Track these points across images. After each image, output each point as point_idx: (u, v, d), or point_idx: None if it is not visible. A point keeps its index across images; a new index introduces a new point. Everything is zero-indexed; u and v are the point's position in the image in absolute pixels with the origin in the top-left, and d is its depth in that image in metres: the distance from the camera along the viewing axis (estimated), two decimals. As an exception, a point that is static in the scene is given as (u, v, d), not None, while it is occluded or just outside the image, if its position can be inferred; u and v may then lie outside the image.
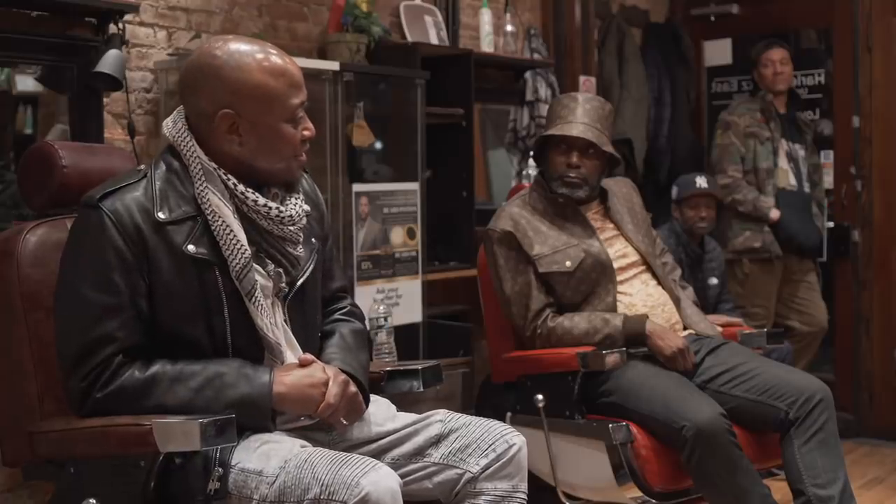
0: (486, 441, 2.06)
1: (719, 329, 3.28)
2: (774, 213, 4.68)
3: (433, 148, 3.95)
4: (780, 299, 4.85)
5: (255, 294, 2.00)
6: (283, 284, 2.08)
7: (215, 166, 2.01)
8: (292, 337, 2.12)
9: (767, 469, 3.22)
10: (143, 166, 2.09)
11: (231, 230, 1.98)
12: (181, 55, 3.30)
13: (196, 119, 2.04)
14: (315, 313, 2.20)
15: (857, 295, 5.13)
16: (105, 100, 3.12)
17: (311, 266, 2.15)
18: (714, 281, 4.38)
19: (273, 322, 2.05)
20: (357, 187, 3.64)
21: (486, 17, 4.47)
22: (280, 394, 1.97)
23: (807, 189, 4.85)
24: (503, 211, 3.24)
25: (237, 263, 1.98)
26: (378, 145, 3.84)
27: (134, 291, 1.95)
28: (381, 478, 1.82)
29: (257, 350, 2.02)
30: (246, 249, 1.99)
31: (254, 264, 2.01)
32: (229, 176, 2.01)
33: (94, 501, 1.94)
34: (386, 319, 3.50)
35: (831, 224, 5.14)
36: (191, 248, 1.97)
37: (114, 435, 1.92)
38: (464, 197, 4.20)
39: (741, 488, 2.79)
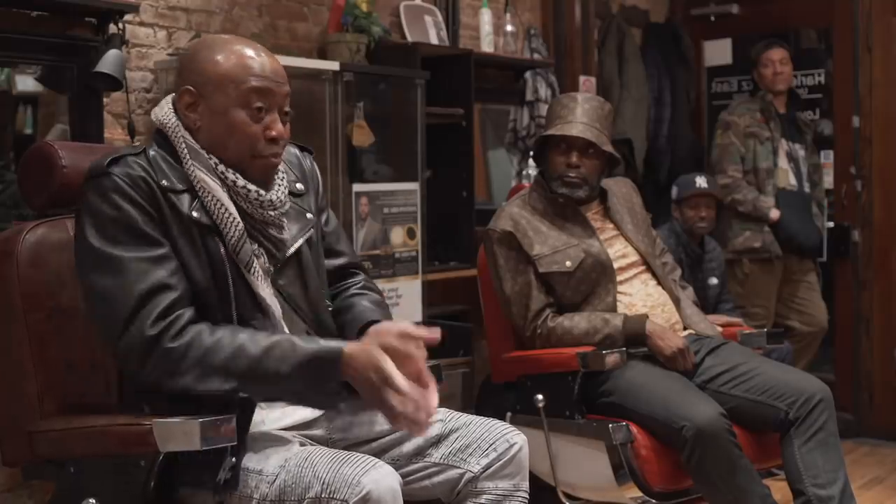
0: (486, 440, 2.06)
1: (719, 329, 3.28)
2: (774, 213, 4.68)
3: (433, 148, 3.95)
4: (780, 299, 4.85)
5: (253, 265, 2.02)
6: (269, 266, 2.07)
7: (199, 146, 2.02)
8: (290, 311, 2.10)
9: (767, 469, 3.22)
10: (138, 143, 2.11)
11: (222, 203, 1.99)
12: (181, 55, 3.30)
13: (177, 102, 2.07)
14: (318, 287, 2.17)
15: (857, 295, 5.13)
16: (105, 100, 3.12)
17: (303, 238, 2.14)
18: (714, 281, 4.38)
19: (271, 293, 2.05)
20: (357, 187, 3.64)
21: (486, 17, 4.47)
22: (351, 354, 1.88)
23: (807, 189, 4.85)
24: (503, 211, 3.24)
25: (232, 236, 1.99)
26: (378, 145, 3.84)
27: (167, 242, 1.95)
28: (383, 476, 1.82)
29: (261, 319, 2.02)
30: (238, 221, 2.00)
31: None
32: (211, 156, 2.02)
33: (94, 501, 1.94)
34: (386, 319, 3.50)
35: (831, 224, 5.14)
36: (195, 214, 1.98)
37: (114, 434, 1.92)
38: (464, 197, 4.20)
39: (741, 488, 2.79)
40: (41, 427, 2.08)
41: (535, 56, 4.75)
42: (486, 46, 4.46)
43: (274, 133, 2.02)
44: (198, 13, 3.44)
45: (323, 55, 3.79)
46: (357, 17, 3.75)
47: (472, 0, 4.56)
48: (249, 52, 2.03)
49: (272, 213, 2.06)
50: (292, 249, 2.11)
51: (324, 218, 2.29)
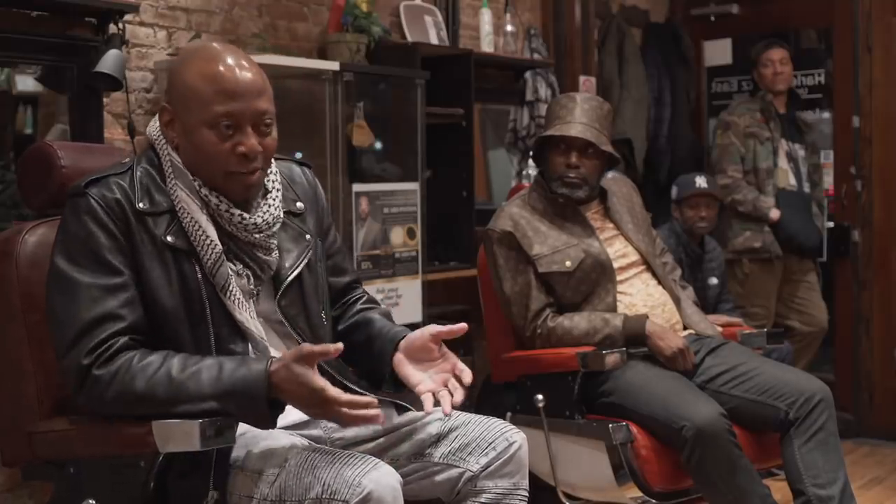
0: (486, 439, 2.06)
1: (719, 329, 3.27)
2: (774, 213, 4.68)
3: (433, 148, 3.95)
4: (780, 299, 4.85)
5: (230, 288, 2.00)
6: (253, 287, 2.05)
7: (184, 166, 2.01)
8: (291, 332, 2.10)
9: (767, 469, 3.22)
10: (127, 159, 2.11)
11: (199, 226, 1.98)
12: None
13: None
14: (318, 309, 2.17)
15: (857, 295, 5.13)
16: (105, 100, 3.12)
17: (303, 262, 2.13)
18: (714, 281, 4.38)
19: (252, 316, 2.04)
20: (357, 187, 3.64)
21: (486, 17, 4.47)
22: (276, 373, 1.86)
23: (807, 189, 4.85)
24: (503, 211, 3.24)
25: (208, 259, 1.98)
26: (378, 145, 3.84)
27: (130, 271, 1.95)
28: (383, 476, 1.82)
29: (240, 341, 2.02)
30: (216, 245, 1.99)
31: (226, 260, 2.01)
32: (196, 177, 2.00)
33: (94, 502, 1.94)
34: (386, 319, 3.50)
35: (831, 224, 5.14)
36: (170, 238, 1.98)
37: (113, 435, 1.92)
38: (464, 197, 4.20)
39: (741, 488, 2.78)
40: (40, 427, 2.08)
41: (535, 56, 4.75)
42: (486, 46, 4.46)
43: (243, 149, 1.97)
44: (198, 13, 3.43)
45: (323, 55, 3.79)
46: (357, 17, 3.75)
47: (472, 0, 4.56)
48: (220, 69, 1.97)
49: (257, 235, 2.04)
50: (293, 274, 2.10)
51: (330, 237, 2.28)
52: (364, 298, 2.33)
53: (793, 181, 4.80)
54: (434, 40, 4.20)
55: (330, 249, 2.28)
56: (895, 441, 4.95)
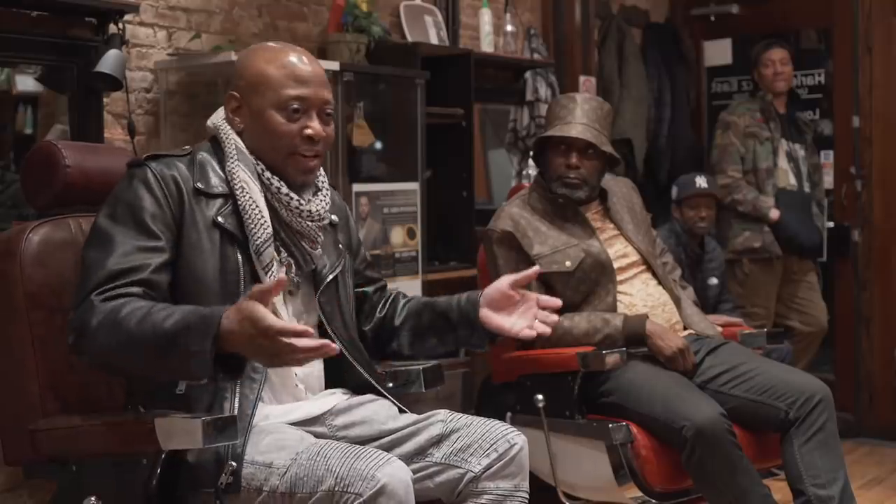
0: (487, 441, 2.06)
1: (719, 329, 3.27)
2: (774, 213, 4.68)
3: (433, 148, 3.95)
4: (780, 299, 4.86)
5: (272, 269, 2.06)
6: (293, 275, 2.13)
7: (248, 152, 2.10)
8: (327, 327, 2.18)
9: (767, 469, 3.22)
10: (188, 147, 2.17)
11: (256, 205, 2.05)
12: (181, 55, 3.31)
13: None
14: (350, 311, 2.26)
15: (857, 295, 5.14)
16: (105, 100, 3.13)
17: (340, 267, 2.23)
18: (714, 281, 4.38)
19: (282, 299, 2.10)
20: (357, 187, 3.64)
21: (486, 17, 4.48)
22: (228, 326, 1.79)
23: (807, 189, 4.85)
24: (503, 211, 3.24)
25: (258, 237, 2.04)
26: (378, 145, 3.84)
27: (169, 243, 2.00)
28: (396, 470, 1.85)
29: None
30: (269, 225, 2.06)
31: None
32: (259, 161, 2.09)
33: (96, 500, 1.95)
34: (386, 319, 3.50)
35: (831, 224, 5.14)
36: (220, 219, 2.04)
37: (116, 432, 1.93)
38: (464, 197, 4.21)
39: (741, 488, 2.79)
40: (43, 426, 2.08)
41: (535, 56, 4.75)
42: (486, 46, 4.47)
43: (310, 131, 2.08)
44: (198, 13, 3.44)
45: (323, 55, 3.79)
46: (357, 17, 3.75)
47: (472, 0, 4.56)
48: (290, 58, 2.10)
49: (310, 223, 2.11)
50: (331, 276, 2.20)
51: (360, 254, 2.41)
52: (400, 293, 2.46)
53: (793, 181, 4.80)
54: (434, 40, 4.20)
55: (360, 264, 2.40)
56: (895, 441, 4.96)
